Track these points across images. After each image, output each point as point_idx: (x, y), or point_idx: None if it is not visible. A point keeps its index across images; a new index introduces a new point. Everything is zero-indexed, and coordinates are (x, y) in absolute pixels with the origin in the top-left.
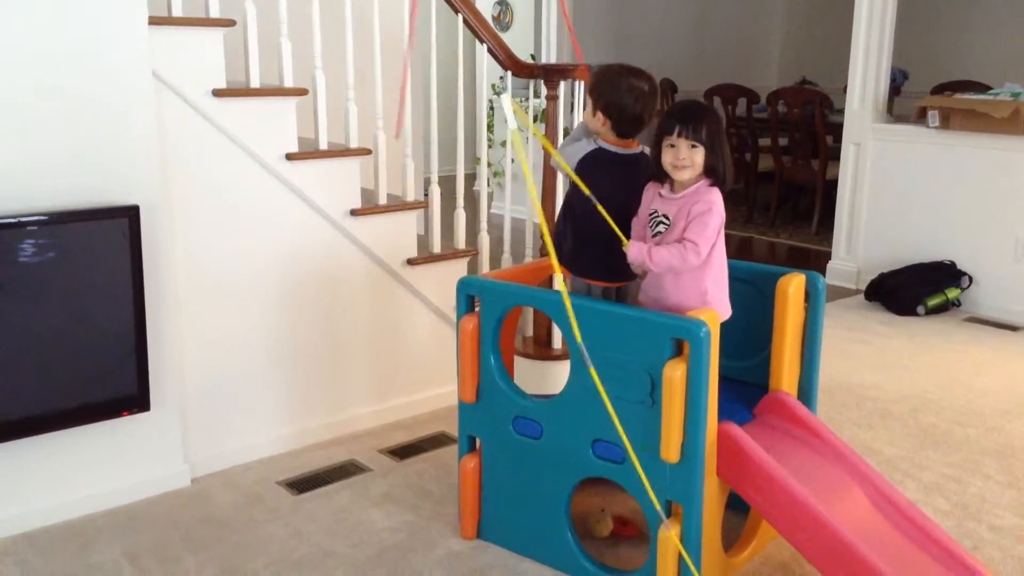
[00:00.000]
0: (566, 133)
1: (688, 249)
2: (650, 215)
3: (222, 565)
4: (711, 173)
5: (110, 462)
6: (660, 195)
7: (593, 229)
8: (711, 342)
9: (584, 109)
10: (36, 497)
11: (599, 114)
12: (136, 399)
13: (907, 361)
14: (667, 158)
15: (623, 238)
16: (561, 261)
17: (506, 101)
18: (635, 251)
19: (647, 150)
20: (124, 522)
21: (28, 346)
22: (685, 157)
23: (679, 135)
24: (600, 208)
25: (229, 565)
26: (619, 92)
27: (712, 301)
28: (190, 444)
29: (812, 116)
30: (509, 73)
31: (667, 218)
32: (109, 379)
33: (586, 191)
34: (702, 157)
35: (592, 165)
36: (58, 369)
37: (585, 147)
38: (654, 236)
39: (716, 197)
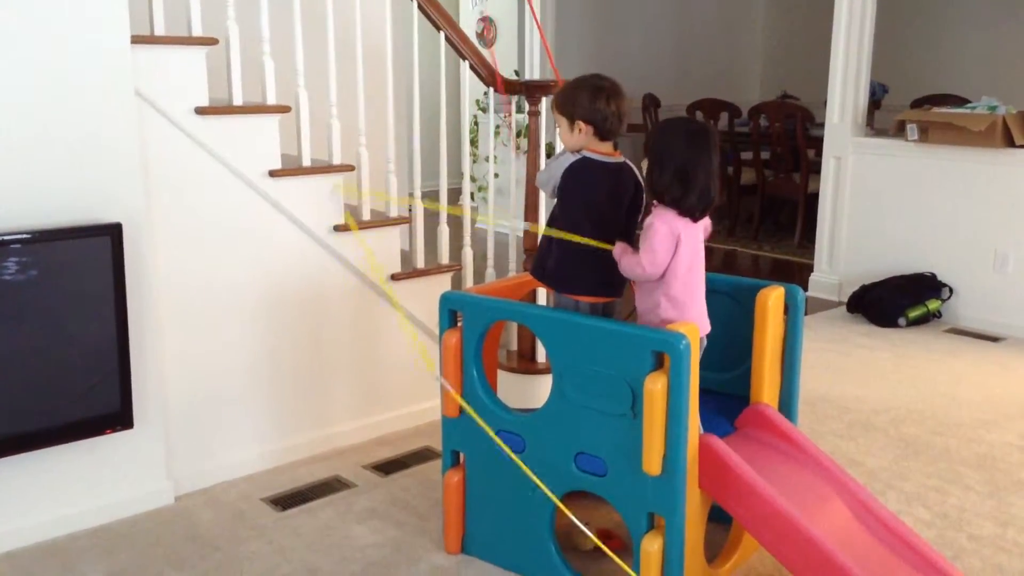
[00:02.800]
0: (548, 148)
1: (635, 263)
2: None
3: None
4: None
5: (93, 480)
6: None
7: (579, 245)
8: (691, 354)
9: (559, 131)
10: (18, 516)
11: (578, 124)
12: (119, 417)
13: (888, 372)
14: None
15: (606, 245)
16: (545, 279)
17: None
18: (618, 250)
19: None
20: (107, 541)
21: (11, 364)
22: None
23: None
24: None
25: None
26: (587, 97)
27: (664, 314)
28: (173, 462)
29: (793, 130)
30: (491, 89)
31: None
32: (92, 397)
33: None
34: None
35: (578, 173)
36: (41, 387)
37: (571, 158)
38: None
39: (661, 216)
